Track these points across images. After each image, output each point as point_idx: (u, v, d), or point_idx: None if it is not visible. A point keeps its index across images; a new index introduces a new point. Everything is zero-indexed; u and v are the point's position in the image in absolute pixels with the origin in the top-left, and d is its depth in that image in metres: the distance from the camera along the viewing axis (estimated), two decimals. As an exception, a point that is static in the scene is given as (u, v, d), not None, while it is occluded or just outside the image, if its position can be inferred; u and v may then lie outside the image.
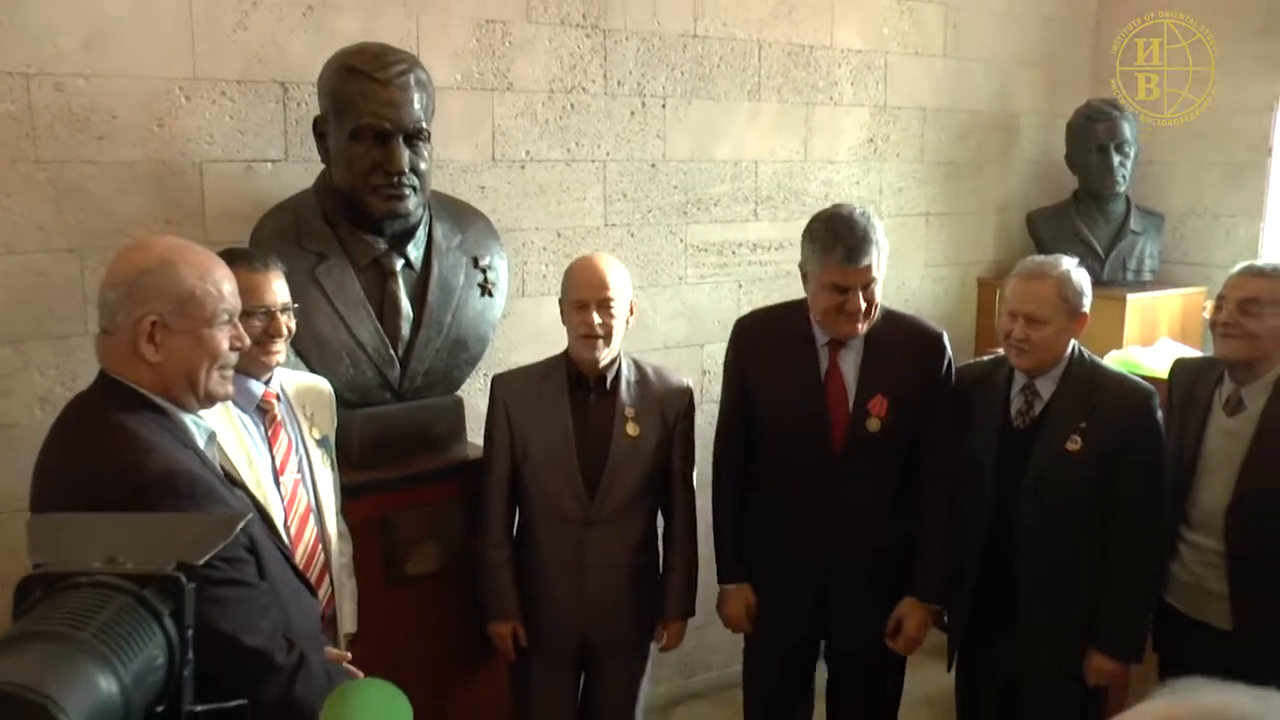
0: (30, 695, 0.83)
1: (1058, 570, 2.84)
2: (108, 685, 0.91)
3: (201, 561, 1.08)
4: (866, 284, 2.79)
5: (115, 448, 1.77)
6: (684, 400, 2.99)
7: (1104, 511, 2.81)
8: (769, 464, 3.01)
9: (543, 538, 2.92)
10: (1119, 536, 2.81)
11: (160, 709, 1.01)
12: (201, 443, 1.92)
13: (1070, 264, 2.87)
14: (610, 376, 2.90)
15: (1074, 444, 2.79)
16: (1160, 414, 2.85)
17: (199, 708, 1.07)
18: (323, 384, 2.76)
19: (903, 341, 2.94)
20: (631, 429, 2.88)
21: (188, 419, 1.91)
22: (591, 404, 2.90)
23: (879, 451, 2.91)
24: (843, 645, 3.10)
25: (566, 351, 2.93)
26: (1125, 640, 2.86)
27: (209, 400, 1.94)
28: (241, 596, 1.80)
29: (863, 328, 2.85)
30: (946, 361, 2.99)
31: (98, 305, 1.89)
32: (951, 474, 2.96)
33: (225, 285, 1.92)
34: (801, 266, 2.93)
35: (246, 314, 2.38)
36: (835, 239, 2.77)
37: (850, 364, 2.91)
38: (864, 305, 2.79)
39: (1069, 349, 2.87)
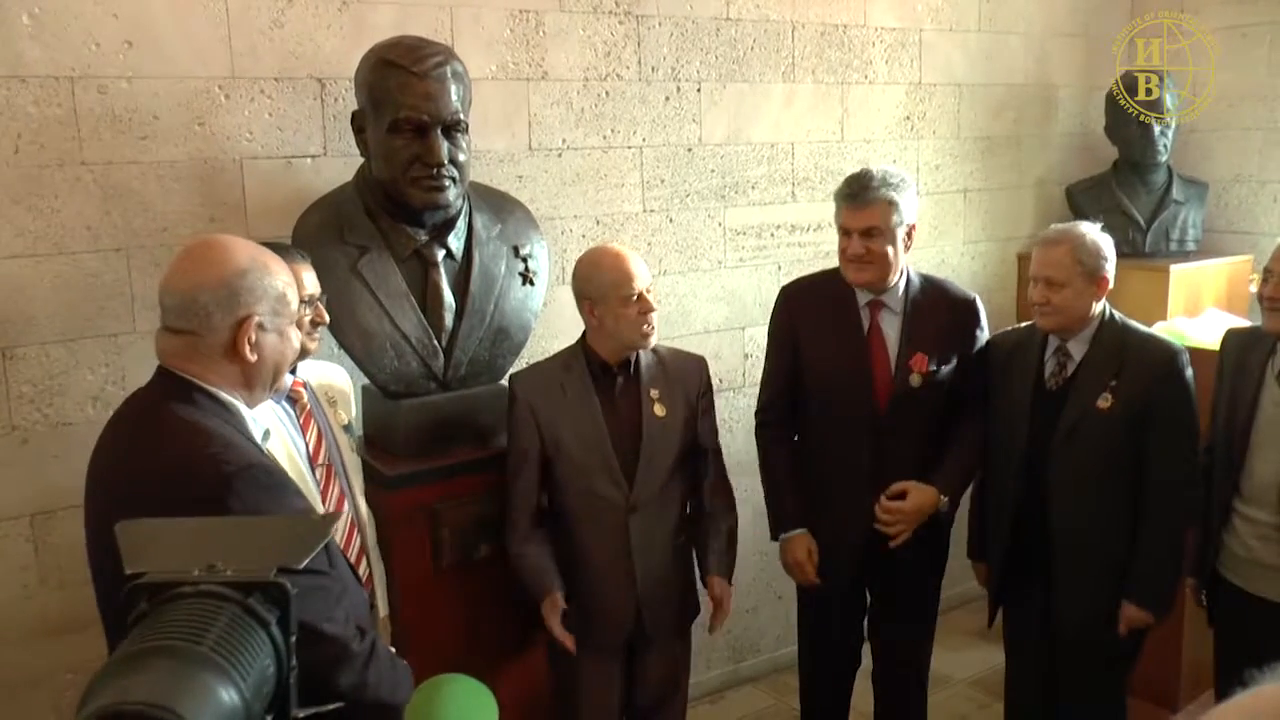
0: (159, 713, 0.84)
1: (1089, 524, 2.92)
2: (230, 698, 0.92)
3: (302, 565, 1.08)
4: (865, 229, 2.96)
5: (190, 442, 1.78)
6: (703, 374, 3.02)
7: (1134, 466, 2.88)
8: (815, 421, 3.13)
9: (585, 530, 2.91)
10: (1148, 490, 2.87)
11: (269, 716, 1.02)
12: (259, 438, 1.95)
13: (1088, 229, 2.94)
14: (631, 361, 2.92)
15: (1105, 401, 2.86)
16: (1189, 371, 2.89)
17: (301, 714, 1.08)
18: (341, 372, 2.81)
19: (940, 304, 3.12)
20: (659, 410, 2.90)
21: (247, 414, 1.93)
22: (617, 391, 2.90)
23: (920, 407, 3.06)
24: (884, 588, 3.23)
25: (583, 343, 2.92)
26: (1156, 592, 2.92)
27: (277, 391, 2.03)
28: (319, 585, 1.80)
29: (864, 276, 3.01)
30: (981, 324, 3.16)
31: (177, 305, 1.85)
32: (982, 423, 3.14)
33: (294, 286, 1.98)
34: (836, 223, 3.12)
35: (298, 302, 2.46)
36: (845, 183, 3.03)
37: (891, 324, 3.08)
38: (862, 251, 2.97)
39: (1098, 311, 2.93)
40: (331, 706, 1.13)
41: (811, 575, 3.14)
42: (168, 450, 1.79)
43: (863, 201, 2.96)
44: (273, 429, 2.43)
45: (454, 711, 1.34)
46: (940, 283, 3.22)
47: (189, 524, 1.26)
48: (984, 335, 3.17)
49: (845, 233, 3.00)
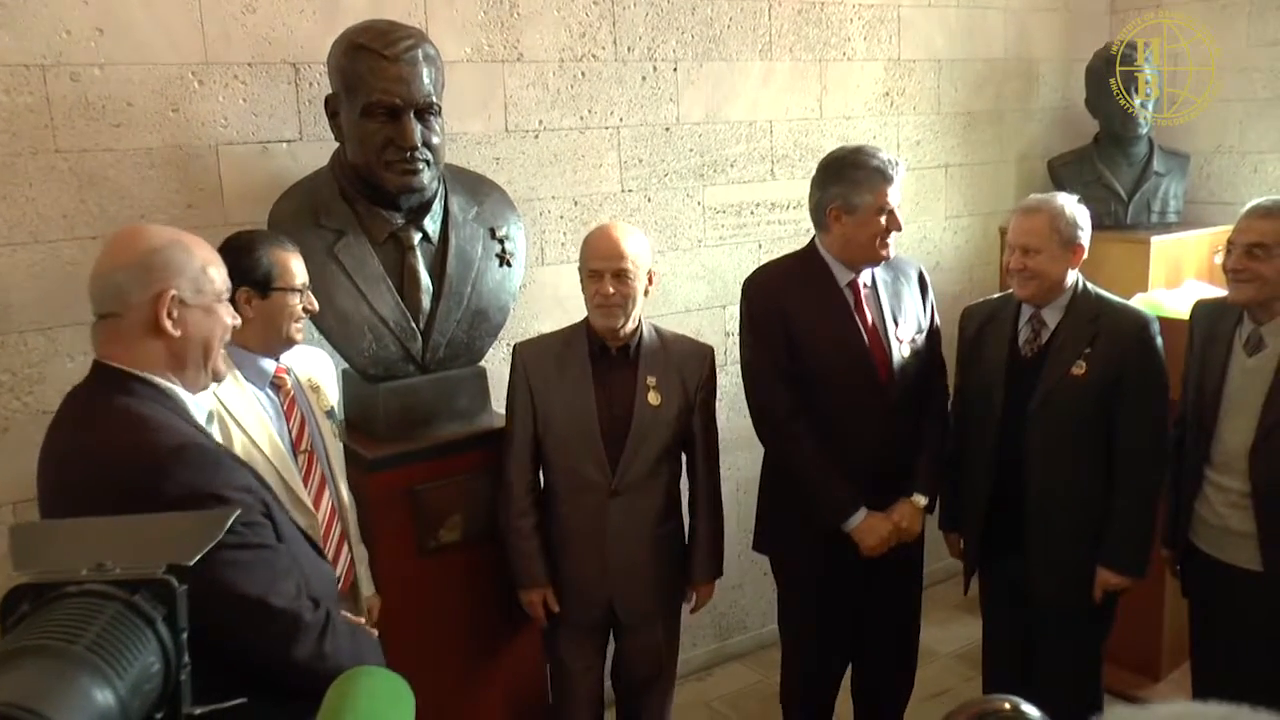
0: (23, 716, 0.81)
1: (1064, 489, 2.96)
2: (104, 698, 0.89)
3: (193, 561, 1.06)
4: (898, 204, 3.01)
5: (122, 428, 1.79)
6: (705, 367, 3.00)
7: (1107, 432, 2.92)
8: (821, 406, 3.03)
9: (567, 508, 2.92)
10: (1120, 456, 2.91)
11: (159, 716, 1.00)
12: (201, 420, 1.95)
13: (1066, 199, 3.00)
14: (632, 345, 2.91)
15: (1079, 369, 2.92)
16: (1159, 339, 2.93)
17: (197, 710, 1.05)
18: (325, 358, 2.83)
19: (898, 276, 3.16)
20: (653, 398, 2.89)
21: (187, 398, 1.93)
22: (613, 373, 2.90)
23: (912, 375, 3.10)
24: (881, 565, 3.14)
25: (587, 319, 2.93)
26: (1130, 555, 2.96)
27: (215, 377, 1.98)
28: (263, 559, 1.83)
29: (891, 251, 3.05)
30: (930, 290, 3.25)
31: (96, 292, 1.88)
32: (945, 391, 3.25)
33: (220, 266, 1.97)
34: (838, 206, 3.00)
35: (293, 291, 2.48)
36: (881, 163, 2.97)
37: (869, 299, 3.09)
38: (900, 224, 3.02)
39: (1072, 281, 2.99)
40: (232, 703, 1.10)
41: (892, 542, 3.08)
42: (103, 439, 1.79)
43: (900, 172, 3.00)
44: (256, 417, 2.46)
45: (366, 704, 1.32)
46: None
47: (81, 524, 1.24)
48: (933, 302, 3.25)
49: (887, 211, 2.96)
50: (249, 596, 1.79)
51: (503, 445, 2.94)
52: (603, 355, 2.90)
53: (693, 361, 2.98)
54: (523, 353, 2.95)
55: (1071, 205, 2.97)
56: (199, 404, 1.97)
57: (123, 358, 1.86)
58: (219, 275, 1.93)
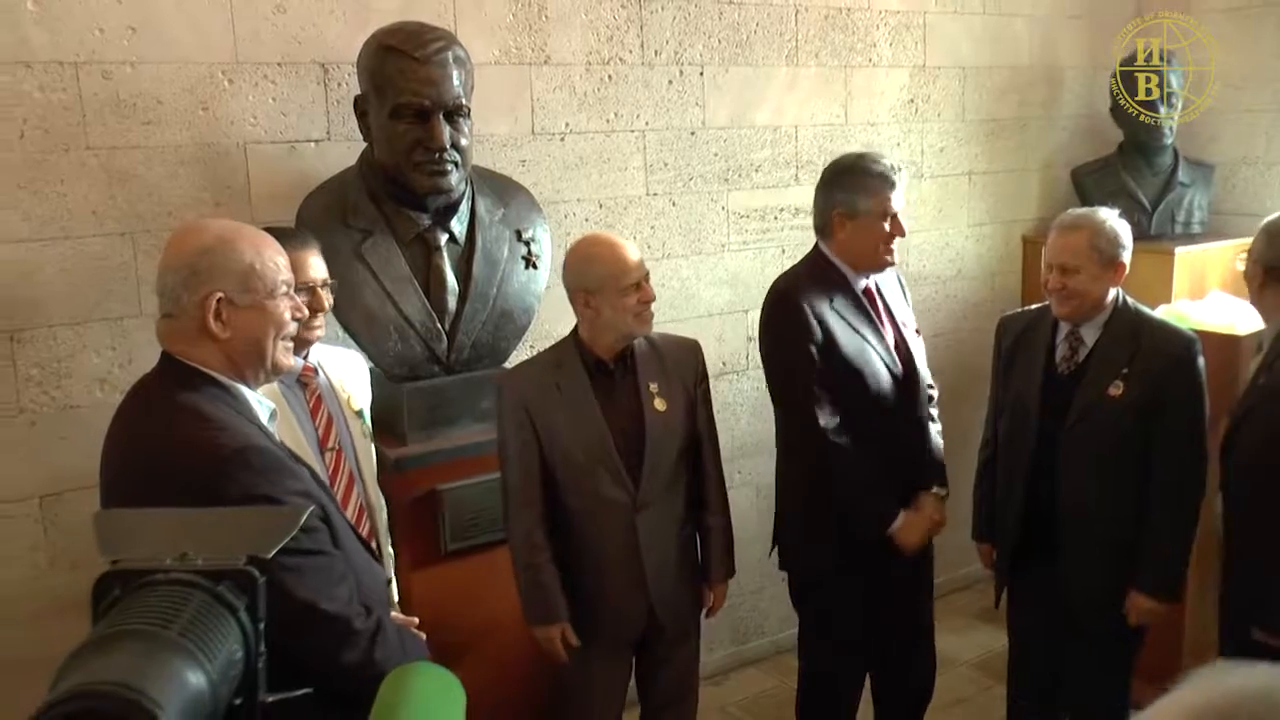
0: (127, 694, 0.86)
1: (1098, 507, 2.90)
2: (197, 681, 0.93)
3: (271, 554, 1.10)
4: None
5: (187, 425, 1.81)
6: (698, 360, 2.92)
7: (1144, 452, 2.86)
8: (855, 414, 2.99)
9: (591, 532, 2.80)
10: (1158, 479, 2.84)
11: (238, 701, 1.04)
12: (264, 419, 1.96)
13: (1107, 215, 2.92)
14: (627, 355, 2.81)
15: (1117, 389, 2.84)
16: (1201, 359, 2.87)
17: (269, 698, 1.09)
18: (358, 357, 2.83)
19: (886, 277, 3.17)
20: (659, 404, 2.80)
21: (250, 396, 1.95)
22: (613, 387, 2.80)
23: (923, 372, 3.17)
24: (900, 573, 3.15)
25: (574, 339, 2.81)
26: (1164, 580, 2.89)
27: (276, 371, 1.99)
28: (318, 565, 1.85)
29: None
30: (908, 290, 3.31)
31: (157, 290, 1.92)
32: (934, 388, 3.29)
33: (280, 258, 1.96)
34: (842, 212, 2.99)
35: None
36: (889, 170, 2.98)
37: (881, 301, 3.11)
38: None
39: (1113, 298, 2.92)
40: (300, 692, 1.12)
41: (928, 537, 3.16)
42: (165, 435, 1.81)
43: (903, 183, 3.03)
44: (279, 413, 2.46)
45: (420, 703, 1.34)
46: None
47: (164, 514, 1.28)
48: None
49: (891, 216, 2.97)
50: (299, 601, 1.80)
51: (502, 486, 2.81)
52: (599, 371, 2.80)
53: (686, 359, 2.90)
54: (514, 382, 2.80)
55: (1113, 221, 2.89)
56: (262, 401, 1.98)
57: (190, 355, 1.89)
58: (271, 271, 1.93)
